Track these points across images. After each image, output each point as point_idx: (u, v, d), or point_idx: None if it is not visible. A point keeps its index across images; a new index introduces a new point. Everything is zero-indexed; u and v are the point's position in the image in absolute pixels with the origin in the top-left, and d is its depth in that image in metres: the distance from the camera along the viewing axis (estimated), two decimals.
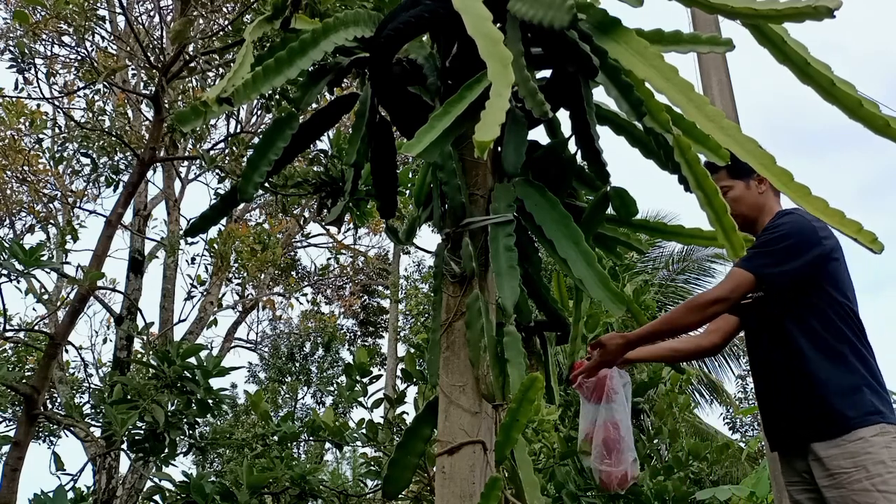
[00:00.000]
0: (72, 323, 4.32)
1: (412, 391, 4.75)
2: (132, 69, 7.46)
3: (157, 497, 3.68)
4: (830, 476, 2.29)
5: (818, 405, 2.37)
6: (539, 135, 2.23)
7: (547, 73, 2.05)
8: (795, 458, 2.47)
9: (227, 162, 5.44)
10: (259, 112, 8.91)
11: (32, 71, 5.76)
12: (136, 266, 7.91)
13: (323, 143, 3.75)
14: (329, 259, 13.09)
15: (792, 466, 2.49)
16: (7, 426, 7.16)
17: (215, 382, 3.86)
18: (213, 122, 6.99)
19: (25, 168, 7.79)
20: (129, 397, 3.70)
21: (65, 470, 3.78)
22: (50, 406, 7.53)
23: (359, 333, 19.64)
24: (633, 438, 2.54)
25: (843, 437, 2.29)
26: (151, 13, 8.14)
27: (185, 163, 9.20)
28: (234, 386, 19.46)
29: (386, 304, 18.13)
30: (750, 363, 2.67)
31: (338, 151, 3.59)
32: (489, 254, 1.88)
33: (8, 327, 4.64)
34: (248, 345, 12.34)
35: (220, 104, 1.72)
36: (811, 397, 2.39)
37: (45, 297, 6.66)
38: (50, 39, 7.07)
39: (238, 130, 7.30)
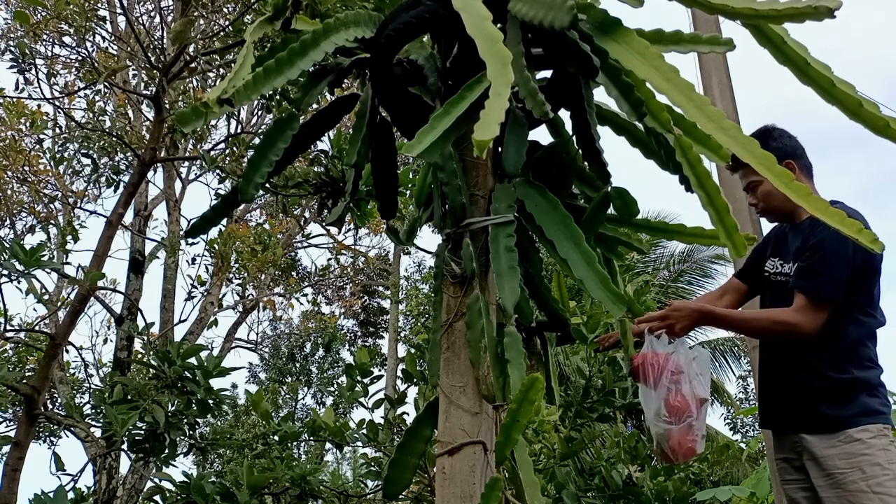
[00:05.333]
0: (72, 323, 4.32)
1: (413, 392, 4.75)
2: (133, 70, 7.48)
3: (157, 497, 3.68)
4: (827, 476, 2.31)
5: (812, 399, 2.40)
6: (540, 135, 2.24)
7: (547, 73, 2.05)
8: (785, 439, 2.51)
9: (227, 162, 5.45)
10: (260, 112, 8.92)
11: (33, 71, 5.77)
12: (137, 266, 7.92)
13: (323, 144, 3.76)
14: (329, 259, 13.12)
15: (782, 444, 2.54)
16: (7, 426, 7.15)
17: (216, 383, 3.87)
18: (213, 122, 7.01)
19: (26, 168, 7.80)
20: (129, 397, 3.70)
21: (65, 470, 3.77)
22: (50, 406, 7.54)
23: (359, 334, 19.65)
24: (706, 416, 2.37)
25: (838, 438, 2.31)
26: (152, 13, 8.16)
27: (186, 163, 9.22)
28: (234, 386, 19.52)
29: (386, 304, 18.14)
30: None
31: (338, 152, 3.59)
32: (490, 254, 1.88)
33: (8, 327, 4.64)
34: (249, 345, 12.36)
35: (220, 105, 1.72)
36: (807, 388, 2.42)
37: (46, 297, 6.66)
38: (50, 40, 7.08)
39: (239, 131, 7.31)
